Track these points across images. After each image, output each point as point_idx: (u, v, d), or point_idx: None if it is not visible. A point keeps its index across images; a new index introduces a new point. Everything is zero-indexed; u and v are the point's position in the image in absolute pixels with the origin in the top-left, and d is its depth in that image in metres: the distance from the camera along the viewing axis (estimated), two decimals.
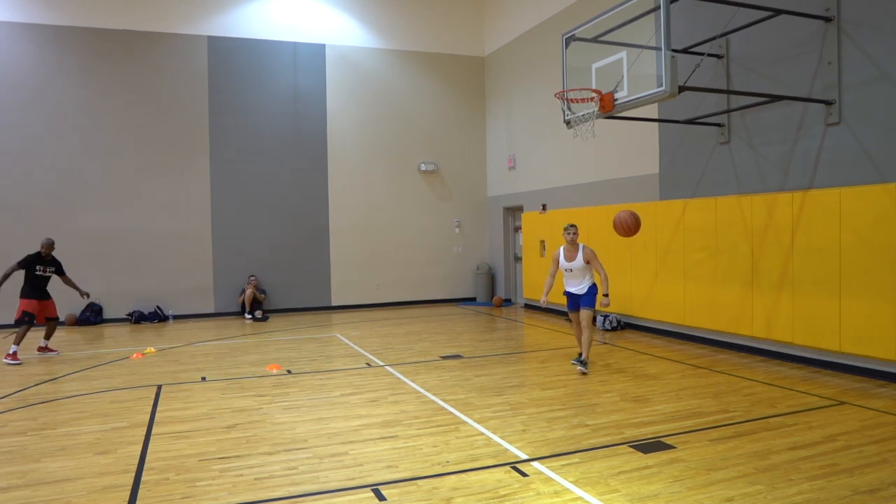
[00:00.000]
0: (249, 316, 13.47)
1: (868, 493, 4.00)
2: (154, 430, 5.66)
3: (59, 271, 10.11)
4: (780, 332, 7.95)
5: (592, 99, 7.80)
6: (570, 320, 8.17)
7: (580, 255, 7.70)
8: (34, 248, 9.93)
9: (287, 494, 4.18)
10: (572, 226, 7.81)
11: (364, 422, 5.79)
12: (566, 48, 8.42)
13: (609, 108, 7.53)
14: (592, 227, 11.54)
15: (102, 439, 5.44)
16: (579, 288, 7.79)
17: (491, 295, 15.72)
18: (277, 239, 14.37)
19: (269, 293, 14.20)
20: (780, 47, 7.94)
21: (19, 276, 9.83)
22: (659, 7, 6.68)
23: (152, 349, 9.84)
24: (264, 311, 13.66)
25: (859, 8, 7.02)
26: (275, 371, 8.10)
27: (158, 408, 6.43)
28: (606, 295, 7.62)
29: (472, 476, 4.41)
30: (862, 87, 7.02)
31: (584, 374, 7.57)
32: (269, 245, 14.30)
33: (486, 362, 8.45)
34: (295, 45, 14.50)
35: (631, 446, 4.95)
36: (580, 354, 7.84)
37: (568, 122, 8.24)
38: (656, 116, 9.70)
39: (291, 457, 4.89)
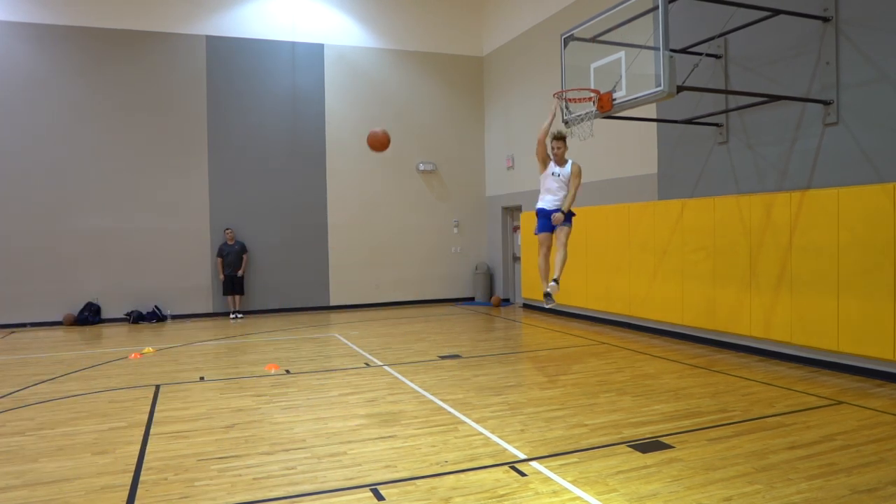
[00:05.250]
0: (233, 316, 13.54)
1: (866, 492, 4.00)
2: (152, 430, 5.65)
3: None
4: (779, 331, 7.96)
5: (591, 99, 7.80)
6: (541, 253, 7.64)
7: (569, 166, 7.53)
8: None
9: (285, 494, 4.18)
10: (561, 139, 7.55)
11: (362, 421, 5.79)
12: (564, 48, 8.42)
13: (607, 107, 7.53)
14: (591, 227, 11.54)
15: (100, 439, 5.44)
16: (556, 202, 7.49)
17: (489, 295, 15.72)
18: (276, 238, 14.36)
19: (267, 293, 14.20)
20: (779, 47, 7.95)
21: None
22: (657, 7, 6.68)
23: (150, 349, 9.83)
24: (241, 312, 13.80)
25: (857, 8, 7.03)
26: (273, 371, 8.09)
27: (157, 408, 6.43)
28: (562, 211, 7.32)
29: (471, 476, 4.41)
30: (860, 87, 7.03)
31: (550, 295, 7.44)
32: (267, 245, 14.28)
33: (484, 362, 8.45)
34: (293, 44, 14.49)
35: (629, 446, 4.96)
36: (553, 282, 7.48)
37: (566, 122, 8.25)
38: (654, 116, 9.71)
39: (290, 457, 4.89)
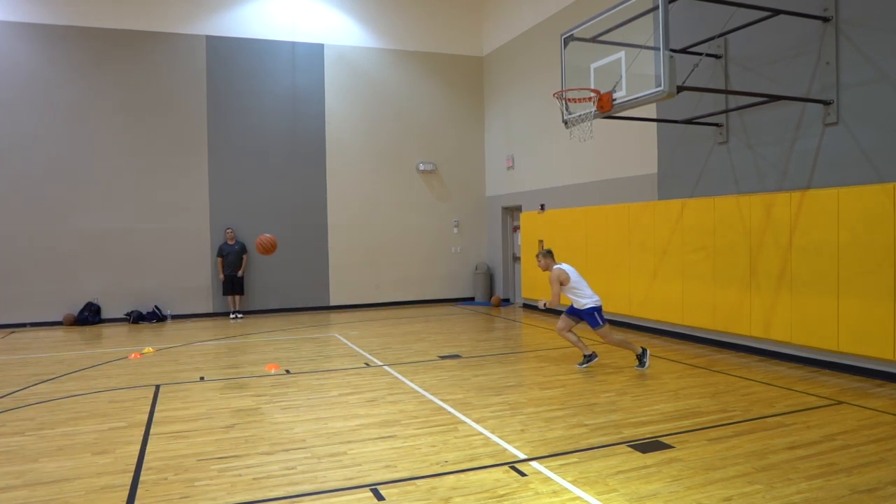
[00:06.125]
0: (233, 316, 13.54)
1: (866, 492, 4.00)
2: (152, 430, 5.65)
3: None
4: (779, 331, 7.96)
5: (591, 99, 7.80)
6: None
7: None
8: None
9: (285, 494, 4.18)
10: (539, 252, 8.18)
11: (362, 421, 5.79)
12: (565, 48, 8.42)
13: (607, 107, 7.53)
14: (591, 227, 11.56)
15: (101, 439, 5.44)
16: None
17: (489, 295, 15.72)
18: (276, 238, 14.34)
19: (267, 293, 14.20)
20: (779, 47, 7.95)
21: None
22: (657, 7, 6.68)
23: (150, 349, 9.83)
24: (241, 312, 13.80)
25: (857, 8, 7.03)
26: (273, 371, 8.09)
27: (157, 408, 6.43)
28: (544, 304, 7.92)
29: (471, 476, 4.41)
30: (860, 87, 7.03)
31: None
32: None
33: (484, 362, 8.45)
34: (293, 44, 14.49)
35: (629, 446, 4.96)
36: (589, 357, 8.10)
37: (566, 123, 8.25)
38: (655, 116, 9.71)
39: (290, 457, 4.89)
